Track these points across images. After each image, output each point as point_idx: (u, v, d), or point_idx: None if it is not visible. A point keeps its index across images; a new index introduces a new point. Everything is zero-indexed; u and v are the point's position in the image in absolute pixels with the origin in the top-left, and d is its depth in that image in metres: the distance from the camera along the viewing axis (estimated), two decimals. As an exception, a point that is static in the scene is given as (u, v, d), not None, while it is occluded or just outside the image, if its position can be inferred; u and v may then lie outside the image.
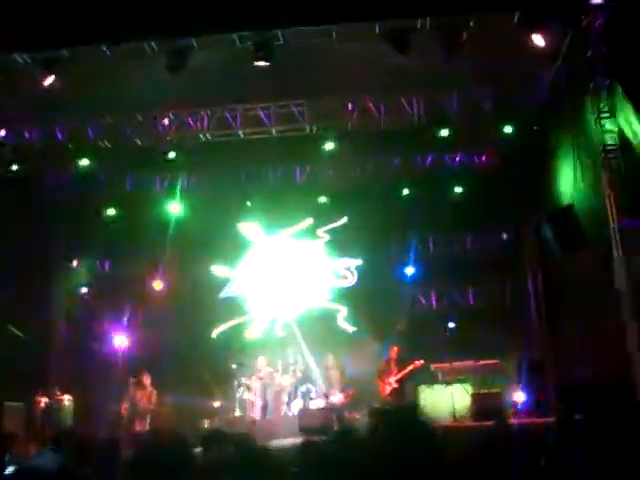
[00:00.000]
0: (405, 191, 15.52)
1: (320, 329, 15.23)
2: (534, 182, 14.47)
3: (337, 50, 11.11)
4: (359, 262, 15.84)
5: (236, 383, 14.65)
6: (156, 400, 13.49)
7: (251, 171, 15.77)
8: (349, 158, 14.88)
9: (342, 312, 15.49)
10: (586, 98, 11.35)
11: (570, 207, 12.06)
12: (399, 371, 13.00)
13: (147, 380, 13.52)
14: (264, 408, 14.30)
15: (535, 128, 13.43)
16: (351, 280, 15.85)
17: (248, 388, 14.40)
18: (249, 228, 16.01)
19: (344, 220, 15.66)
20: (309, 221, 15.85)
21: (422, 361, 13.13)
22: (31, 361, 13.99)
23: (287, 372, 14.87)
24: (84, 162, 14.36)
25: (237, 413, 14.38)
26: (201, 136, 14.05)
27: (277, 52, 10.84)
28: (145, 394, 13.41)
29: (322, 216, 15.81)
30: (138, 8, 9.63)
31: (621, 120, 10.80)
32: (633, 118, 10.51)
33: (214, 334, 15.44)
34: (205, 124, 13.87)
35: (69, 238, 16.00)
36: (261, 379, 14.52)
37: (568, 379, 12.97)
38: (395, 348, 13.28)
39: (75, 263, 16.33)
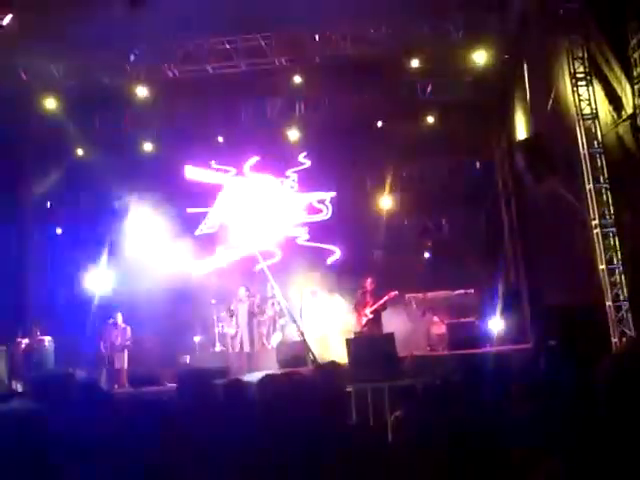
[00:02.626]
0: (379, 124, 15.44)
1: (296, 263, 15.28)
2: (506, 111, 14.45)
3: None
4: (333, 195, 15.83)
5: (215, 317, 14.77)
6: (131, 336, 13.64)
7: (222, 107, 15.58)
8: (318, 91, 14.74)
9: (318, 246, 15.54)
10: (557, 24, 11.24)
11: (540, 135, 12.08)
12: (374, 302, 13.15)
13: (119, 318, 13.66)
14: (251, 340, 14.36)
15: (506, 56, 13.29)
16: (326, 213, 15.87)
17: (230, 318, 14.42)
18: (221, 166, 15.99)
19: (308, 164, 15.64)
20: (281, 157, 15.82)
21: (396, 292, 13.27)
22: (11, 304, 14.08)
23: (265, 305, 14.96)
24: (51, 103, 14.11)
25: (217, 348, 14.54)
26: (169, 72, 13.77)
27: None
28: (119, 331, 13.58)
29: (294, 151, 15.73)
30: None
31: (593, 47, 10.72)
32: (605, 47, 10.43)
33: (194, 273, 15.48)
34: (172, 59, 13.57)
35: (40, 179, 15.82)
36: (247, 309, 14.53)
37: (542, 306, 13.21)
38: (369, 280, 13.38)
39: (49, 204, 16.30)
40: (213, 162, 16.04)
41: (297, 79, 13.93)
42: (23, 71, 13.41)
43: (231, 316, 14.42)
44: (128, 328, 13.68)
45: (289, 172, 15.89)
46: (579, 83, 10.82)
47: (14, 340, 13.70)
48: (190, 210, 15.96)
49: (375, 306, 13.10)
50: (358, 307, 13.30)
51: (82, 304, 14.54)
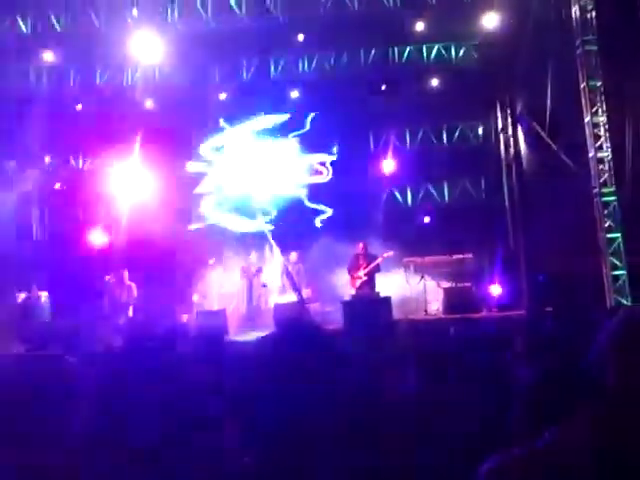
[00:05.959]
0: (382, 87, 15.27)
1: (293, 224, 15.25)
2: (511, 77, 14.31)
3: None
4: (334, 157, 15.73)
5: (213, 277, 14.77)
6: (136, 294, 13.60)
7: (224, 64, 15.40)
8: (323, 50, 14.60)
9: (317, 208, 15.50)
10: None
11: (544, 102, 11.99)
12: (368, 264, 13.16)
13: (125, 275, 13.61)
14: (249, 300, 14.41)
15: (511, 21, 13.07)
16: (326, 176, 15.79)
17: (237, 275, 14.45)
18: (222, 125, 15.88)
19: (312, 115, 15.49)
20: (283, 117, 15.67)
21: (391, 252, 13.23)
22: (8, 259, 14.03)
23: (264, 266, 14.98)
24: (49, 55, 13.91)
25: (215, 307, 14.55)
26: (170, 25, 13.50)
27: None
28: (124, 289, 13.52)
29: (297, 110, 15.59)
30: None
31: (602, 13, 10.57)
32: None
33: (191, 227, 15.54)
34: (175, 11, 13.32)
35: (40, 135, 15.65)
36: (247, 273, 14.54)
37: (540, 272, 13.23)
38: (361, 244, 13.35)
39: (48, 159, 16.19)
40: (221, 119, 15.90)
41: (300, 37, 13.74)
42: (23, 22, 13.20)
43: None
44: (133, 285, 13.57)
45: (291, 136, 15.74)
46: (586, 49, 10.70)
47: (11, 296, 13.65)
48: (190, 168, 15.91)
49: (369, 268, 13.10)
50: (352, 270, 13.30)
51: (82, 260, 14.49)
